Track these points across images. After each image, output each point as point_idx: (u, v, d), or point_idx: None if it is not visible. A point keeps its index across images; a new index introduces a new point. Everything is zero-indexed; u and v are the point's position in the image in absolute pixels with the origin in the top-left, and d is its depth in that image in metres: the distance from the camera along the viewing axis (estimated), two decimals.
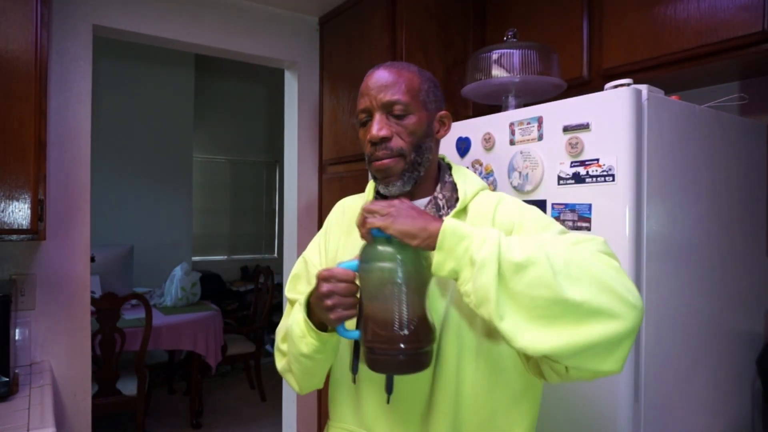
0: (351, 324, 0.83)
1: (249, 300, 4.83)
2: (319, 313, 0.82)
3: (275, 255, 5.69)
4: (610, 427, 1.13)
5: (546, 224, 0.86)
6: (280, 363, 0.99)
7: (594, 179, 1.18)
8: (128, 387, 2.81)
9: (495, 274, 0.68)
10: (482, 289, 0.68)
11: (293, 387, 0.96)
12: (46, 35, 1.61)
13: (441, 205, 0.93)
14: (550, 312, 0.66)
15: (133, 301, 2.96)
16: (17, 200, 1.51)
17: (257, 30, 2.40)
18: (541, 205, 1.28)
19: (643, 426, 1.13)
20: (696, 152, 1.29)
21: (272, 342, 4.97)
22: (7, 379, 1.52)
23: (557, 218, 1.24)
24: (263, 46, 2.43)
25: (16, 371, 1.76)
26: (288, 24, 2.49)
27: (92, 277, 2.78)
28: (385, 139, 0.89)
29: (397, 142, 0.89)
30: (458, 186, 0.94)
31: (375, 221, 0.76)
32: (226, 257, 5.45)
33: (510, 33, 1.62)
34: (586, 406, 1.18)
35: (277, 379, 3.09)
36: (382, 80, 0.90)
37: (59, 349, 1.94)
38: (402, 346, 0.75)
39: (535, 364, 0.82)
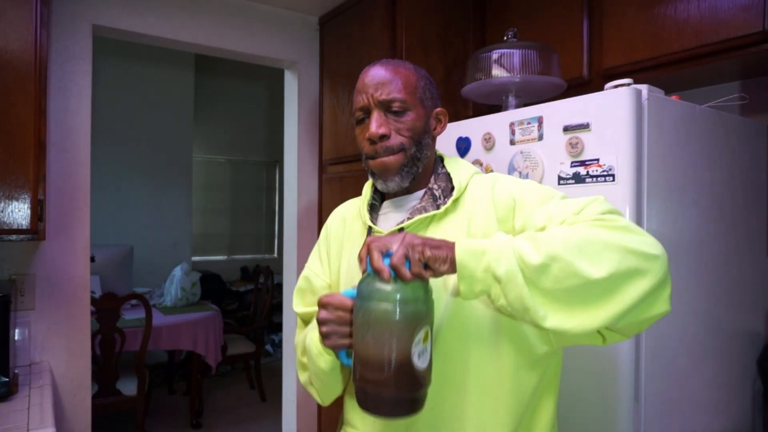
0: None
1: (249, 300, 4.83)
2: None
3: (275, 255, 5.69)
4: (610, 427, 1.13)
5: (546, 195, 0.86)
6: (302, 376, 0.99)
7: (594, 179, 1.18)
8: (128, 387, 2.81)
9: (523, 283, 0.70)
10: (516, 301, 0.70)
11: (316, 399, 0.97)
12: (46, 35, 1.61)
13: (437, 195, 0.93)
14: (586, 295, 0.69)
15: (133, 301, 2.96)
16: (17, 200, 1.51)
17: (257, 30, 2.40)
18: None
19: (643, 426, 1.13)
20: (696, 152, 1.29)
21: (272, 342, 4.97)
22: (7, 380, 1.51)
23: None
24: (263, 46, 2.43)
25: (16, 371, 1.76)
26: (288, 24, 2.49)
27: (92, 277, 2.78)
28: (383, 137, 0.89)
29: (396, 139, 0.90)
30: (452, 175, 0.94)
31: (394, 259, 0.70)
32: (226, 257, 5.45)
33: (510, 33, 1.62)
34: (586, 406, 1.18)
35: (277, 379, 3.09)
36: (379, 77, 0.90)
37: (59, 349, 1.94)
38: (393, 389, 0.71)
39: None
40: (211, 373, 4.05)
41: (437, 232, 0.89)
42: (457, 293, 0.78)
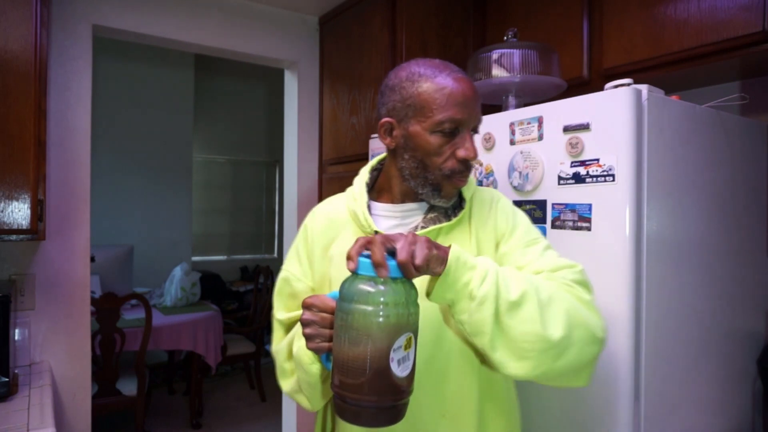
0: None
1: (249, 300, 4.83)
2: None
3: (275, 255, 5.69)
4: (610, 427, 1.13)
5: (533, 239, 0.93)
6: (286, 383, 0.95)
7: (594, 179, 1.18)
8: (128, 387, 2.81)
9: (493, 312, 0.74)
10: (479, 323, 0.74)
11: (305, 406, 0.94)
12: (46, 35, 1.61)
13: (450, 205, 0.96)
14: (534, 346, 0.75)
15: (133, 301, 2.96)
16: (17, 200, 1.51)
17: (257, 30, 2.40)
18: (541, 205, 1.28)
19: (643, 426, 1.13)
20: (696, 152, 1.29)
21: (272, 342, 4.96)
22: (7, 380, 1.51)
23: (557, 218, 1.24)
24: (263, 46, 2.43)
25: (16, 371, 1.76)
26: (288, 24, 2.49)
27: (92, 277, 2.78)
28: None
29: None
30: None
31: (402, 254, 0.70)
32: (225, 257, 5.45)
33: (510, 33, 1.62)
34: (586, 406, 1.18)
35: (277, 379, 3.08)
36: (475, 96, 0.89)
37: (59, 349, 1.94)
38: (372, 397, 0.68)
39: None
40: (211, 373, 4.05)
41: (447, 243, 0.89)
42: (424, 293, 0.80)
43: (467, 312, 0.75)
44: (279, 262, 4.75)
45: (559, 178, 1.25)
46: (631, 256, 1.12)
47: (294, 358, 0.90)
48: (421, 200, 0.96)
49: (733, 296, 1.40)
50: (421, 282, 0.78)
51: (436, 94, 0.86)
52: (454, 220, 0.93)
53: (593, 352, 0.79)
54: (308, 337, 0.78)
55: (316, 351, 0.79)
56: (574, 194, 1.21)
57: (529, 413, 1.23)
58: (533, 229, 0.96)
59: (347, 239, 0.95)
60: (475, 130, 0.91)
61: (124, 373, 2.87)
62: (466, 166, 0.89)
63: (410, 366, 0.71)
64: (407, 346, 0.70)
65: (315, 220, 1.03)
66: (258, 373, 3.87)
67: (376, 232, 0.92)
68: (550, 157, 1.27)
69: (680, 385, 1.24)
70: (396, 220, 0.96)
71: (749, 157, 1.46)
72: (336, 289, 0.75)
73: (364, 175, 1.03)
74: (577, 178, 1.21)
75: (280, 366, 0.96)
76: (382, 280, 0.69)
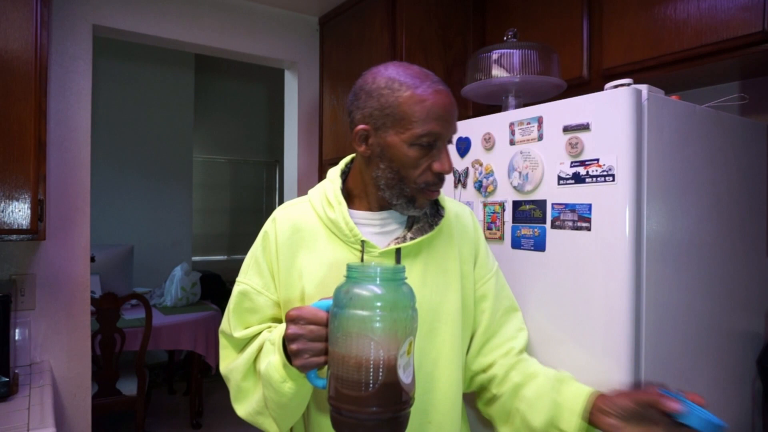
0: (324, 369, 0.74)
1: None
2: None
3: None
4: None
5: (491, 262, 1.06)
6: (243, 406, 0.88)
7: (594, 179, 1.18)
8: (128, 387, 2.81)
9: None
10: None
11: (269, 430, 0.87)
12: (46, 35, 1.61)
13: (428, 214, 0.98)
14: None
15: (133, 301, 2.96)
16: (17, 200, 1.51)
17: (257, 30, 2.40)
18: (541, 205, 1.28)
19: None
20: (696, 152, 1.29)
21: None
22: (7, 379, 1.51)
23: (557, 218, 1.24)
24: (263, 46, 2.43)
25: (16, 371, 1.76)
26: (288, 24, 2.49)
27: (92, 277, 2.78)
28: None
29: None
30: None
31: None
32: (226, 257, 5.45)
33: (510, 33, 1.62)
34: None
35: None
36: (452, 109, 0.87)
37: (59, 349, 1.94)
38: (374, 409, 0.64)
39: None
40: (212, 373, 4.05)
41: (432, 254, 0.95)
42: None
43: None
44: None
45: (559, 178, 1.25)
46: (631, 256, 1.12)
47: (262, 377, 0.82)
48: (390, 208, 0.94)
49: (733, 296, 1.40)
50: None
51: (416, 106, 0.83)
52: (435, 229, 0.94)
53: None
54: (295, 354, 0.72)
55: (303, 368, 0.73)
56: (574, 194, 1.21)
57: None
58: (490, 252, 1.08)
59: (322, 249, 0.91)
60: (450, 142, 0.90)
61: (124, 373, 2.87)
62: (440, 178, 0.88)
63: (412, 372, 0.68)
64: (409, 351, 0.67)
65: (279, 227, 0.94)
66: None
67: (363, 242, 0.89)
68: (550, 157, 1.27)
69: (680, 385, 1.24)
70: (376, 227, 0.93)
71: (749, 157, 1.46)
72: (314, 301, 0.71)
73: (336, 181, 0.96)
74: (577, 178, 1.21)
75: (236, 386, 0.89)
76: (380, 282, 0.66)
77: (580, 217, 1.20)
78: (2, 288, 1.66)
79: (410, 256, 0.92)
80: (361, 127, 0.87)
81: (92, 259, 2.10)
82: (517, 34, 1.63)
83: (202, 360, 3.35)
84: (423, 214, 0.95)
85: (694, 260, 1.27)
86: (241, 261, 0.98)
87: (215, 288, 4.71)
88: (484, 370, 1.01)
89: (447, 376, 0.91)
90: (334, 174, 0.98)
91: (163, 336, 3.06)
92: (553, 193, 1.26)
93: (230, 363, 0.92)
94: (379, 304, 0.65)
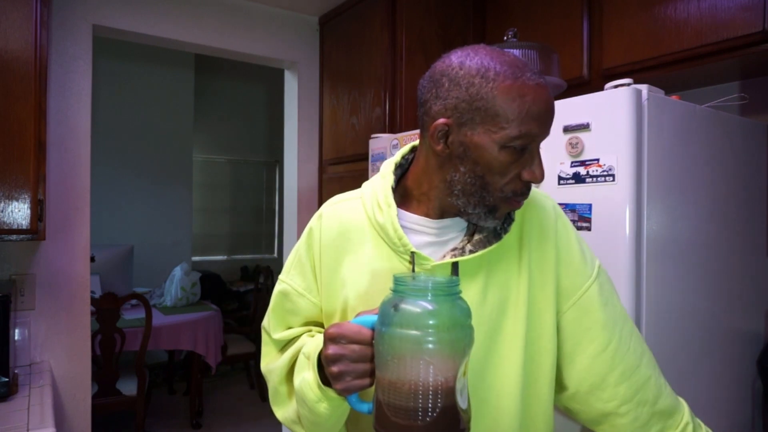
0: (367, 391, 0.67)
1: (249, 300, 4.83)
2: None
3: (275, 255, 5.70)
4: None
5: (589, 265, 0.85)
6: (281, 410, 0.83)
7: (594, 179, 1.18)
8: (128, 387, 2.81)
9: None
10: None
11: None
12: (46, 35, 1.61)
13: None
14: None
15: (133, 301, 2.96)
16: (17, 200, 1.51)
17: (257, 30, 2.40)
18: None
19: None
20: (696, 152, 1.29)
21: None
22: (7, 380, 1.51)
23: None
24: (263, 46, 2.43)
25: (16, 371, 1.76)
26: (288, 24, 2.49)
27: (92, 277, 2.78)
28: None
29: None
30: None
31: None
32: (226, 257, 5.45)
33: (510, 33, 1.62)
34: None
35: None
36: (553, 108, 0.73)
37: (59, 349, 1.94)
38: None
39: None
40: (211, 373, 4.05)
41: (494, 267, 0.78)
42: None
43: None
44: (279, 262, 4.74)
45: (559, 178, 1.25)
46: (631, 256, 1.12)
47: (296, 392, 0.76)
48: (457, 215, 0.79)
49: (733, 296, 1.40)
50: None
51: (516, 102, 0.68)
52: (503, 238, 0.77)
53: None
54: (337, 376, 0.64)
55: (346, 391, 0.65)
56: (574, 194, 1.21)
57: None
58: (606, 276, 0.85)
59: (369, 255, 0.80)
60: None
61: (124, 373, 2.87)
62: (528, 187, 0.74)
63: (467, 396, 0.62)
64: (465, 372, 0.60)
65: (325, 226, 0.84)
66: (258, 373, 3.87)
67: (413, 253, 0.75)
68: (550, 157, 1.27)
69: (680, 384, 1.24)
70: (431, 237, 0.79)
71: (749, 157, 1.46)
72: (353, 313, 0.65)
73: (389, 177, 0.82)
74: (577, 178, 1.21)
75: (274, 388, 0.84)
76: (432, 297, 0.59)
77: (580, 217, 1.20)
78: (2, 288, 1.66)
79: (469, 270, 0.76)
80: (442, 120, 0.72)
81: (92, 259, 2.10)
82: (517, 34, 1.63)
83: (202, 360, 3.34)
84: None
85: (694, 260, 1.27)
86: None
87: (215, 288, 4.71)
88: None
89: (499, 400, 0.78)
90: (387, 169, 0.83)
91: (163, 336, 3.06)
92: (553, 193, 1.26)
93: (270, 362, 0.86)
94: (432, 322, 0.58)
